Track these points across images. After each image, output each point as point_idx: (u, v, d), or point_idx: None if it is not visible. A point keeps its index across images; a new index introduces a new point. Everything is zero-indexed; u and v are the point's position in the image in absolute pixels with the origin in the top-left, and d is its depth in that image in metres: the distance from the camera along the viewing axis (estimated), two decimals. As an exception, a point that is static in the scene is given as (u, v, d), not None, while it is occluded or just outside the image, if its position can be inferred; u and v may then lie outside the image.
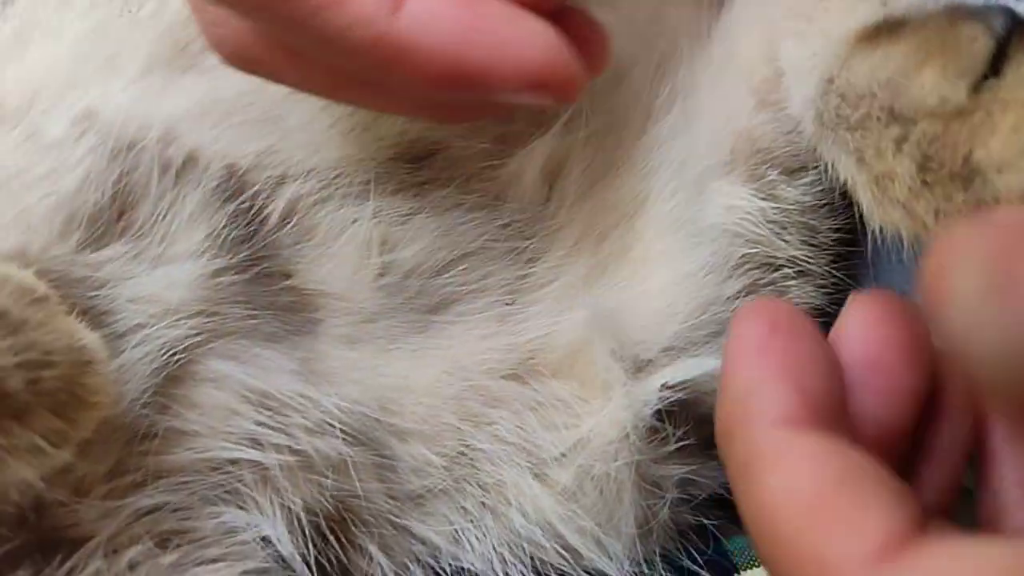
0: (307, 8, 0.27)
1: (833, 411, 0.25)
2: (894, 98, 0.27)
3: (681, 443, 0.35)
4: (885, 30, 0.29)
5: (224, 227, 0.35)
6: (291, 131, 0.39)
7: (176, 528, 0.31)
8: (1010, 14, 0.26)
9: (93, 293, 0.31)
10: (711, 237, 0.36)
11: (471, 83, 0.28)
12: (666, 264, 0.36)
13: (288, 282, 0.36)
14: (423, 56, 0.27)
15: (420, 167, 0.39)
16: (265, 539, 0.33)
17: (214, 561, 0.31)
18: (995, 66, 0.26)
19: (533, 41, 0.27)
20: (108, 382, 0.28)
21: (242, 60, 0.32)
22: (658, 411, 0.34)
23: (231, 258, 0.34)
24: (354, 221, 0.37)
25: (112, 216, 0.33)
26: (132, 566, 0.29)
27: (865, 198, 0.29)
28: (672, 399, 0.34)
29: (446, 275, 0.38)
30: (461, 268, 0.38)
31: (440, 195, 0.39)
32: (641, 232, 0.37)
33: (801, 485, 0.23)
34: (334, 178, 0.38)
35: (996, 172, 0.24)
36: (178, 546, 0.30)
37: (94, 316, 0.30)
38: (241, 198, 0.36)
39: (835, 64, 0.29)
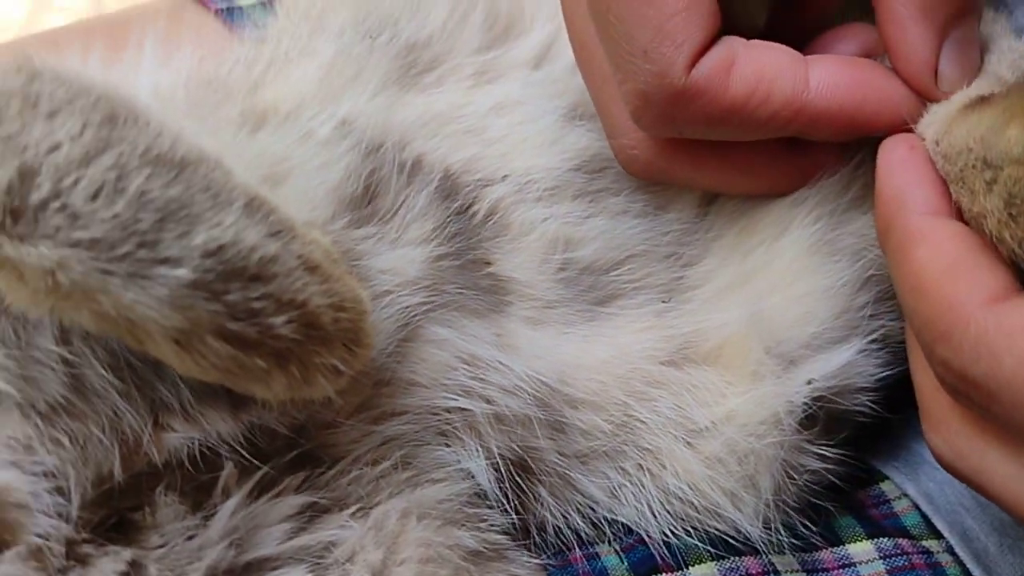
0: (746, 115, 0.39)
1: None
2: (986, 150, 0.34)
3: (822, 441, 0.43)
4: (979, 101, 0.37)
5: (445, 220, 0.43)
6: (492, 142, 0.48)
7: (408, 455, 0.40)
8: None
9: (355, 262, 0.40)
10: (846, 257, 0.44)
11: (860, 130, 0.40)
12: (805, 278, 0.44)
13: (489, 269, 0.45)
14: (832, 115, 0.39)
15: (595, 177, 0.48)
16: (468, 472, 0.41)
17: (435, 482, 0.40)
18: None
19: (902, 91, 0.40)
20: (374, 330, 0.37)
21: (648, 174, 0.45)
22: (806, 404, 0.42)
23: (450, 247, 0.43)
24: (543, 220, 0.46)
25: (364, 204, 0.42)
26: (379, 477, 0.39)
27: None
28: (815, 395, 0.42)
29: (614, 272, 0.46)
30: (627, 268, 0.46)
31: (612, 202, 0.47)
32: (783, 250, 0.45)
33: (941, 253, 0.34)
34: (526, 183, 0.47)
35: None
36: (409, 465, 0.39)
37: (357, 280, 0.39)
38: (455, 197, 0.45)
39: (942, 130, 0.37)
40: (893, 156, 0.39)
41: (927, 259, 0.34)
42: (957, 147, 0.36)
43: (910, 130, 0.39)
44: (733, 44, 0.40)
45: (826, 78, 0.39)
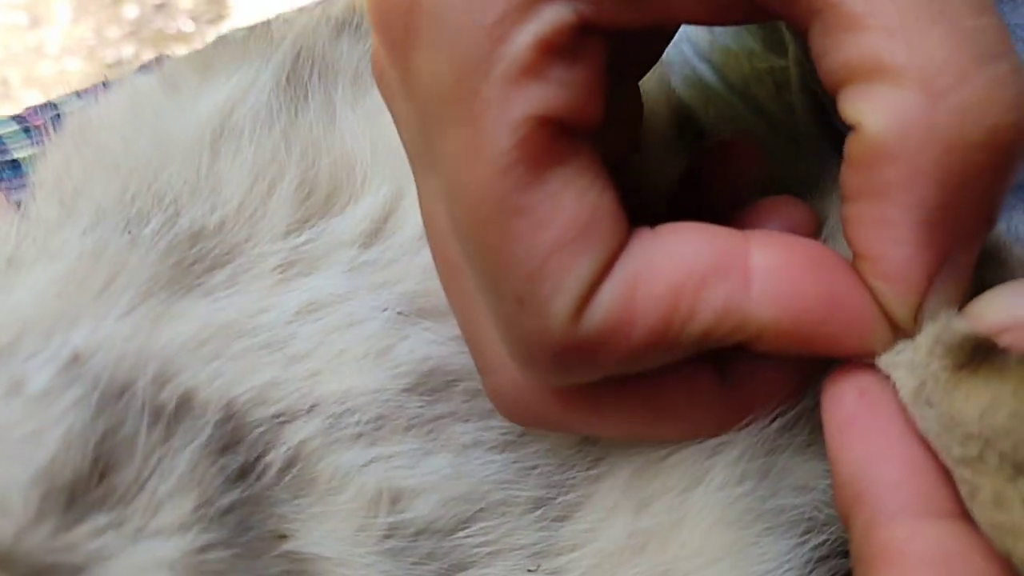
0: (669, 343, 0.29)
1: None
2: (1016, 450, 0.24)
3: None
4: (981, 359, 0.26)
5: (217, 491, 0.33)
6: (297, 358, 0.37)
7: None
8: None
9: (65, 585, 0.29)
10: (785, 527, 0.33)
11: (814, 350, 0.29)
12: (727, 556, 0.33)
13: (284, 546, 0.34)
14: (783, 328, 0.29)
15: (436, 399, 0.37)
16: None
17: None
18: None
19: (872, 309, 0.29)
20: None
21: (531, 421, 0.34)
22: None
23: (222, 529, 0.32)
24: (363, 467, 0.35)
25: (93, 484, 0.31)
26: None
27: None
28: None
29: (461, 533, 0.35)
30: (479, 526, 0.35)
31: (459, 431, 0.37)
32: (697, 509, 0.34)
33: None
34: (341, 414, 0.36)
35: None
36: None
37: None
38: (237, 448, 0.34)
39: (934, 388, 0.27)
40: (840, 412, 0.29)
41: None
42: (966, 426, 0.26)
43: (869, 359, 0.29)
44: (633, 256, 0.29)
45: (775, 278, 0.29)
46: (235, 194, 0.40)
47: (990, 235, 0.32)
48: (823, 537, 0.33)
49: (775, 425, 0.34)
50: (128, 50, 0.97)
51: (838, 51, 0.27)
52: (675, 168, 0.45)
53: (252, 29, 0.46)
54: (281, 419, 0.36)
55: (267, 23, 0.47)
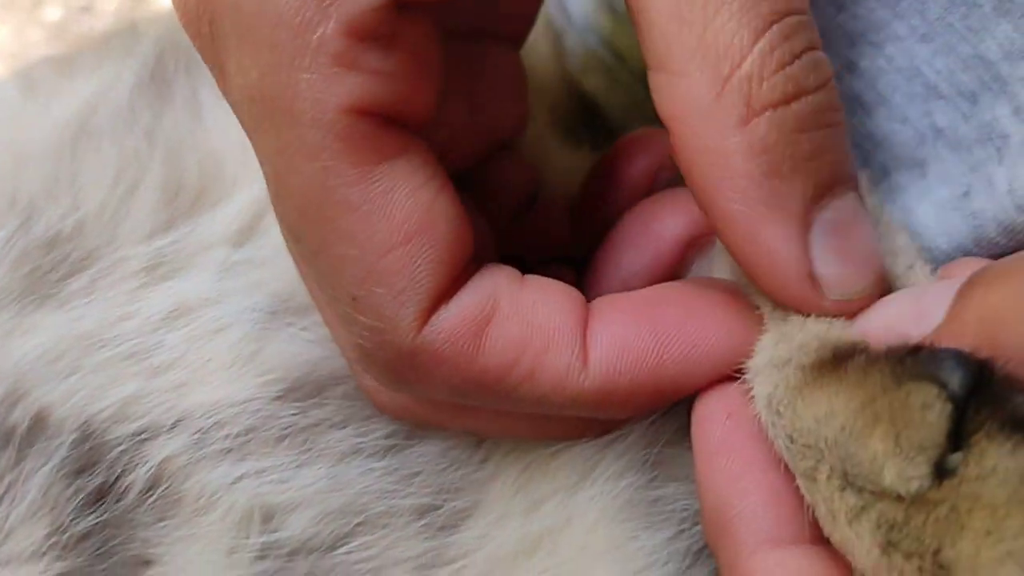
0: (502, 391, 0.28)
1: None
2: (846, 462, 0.23)
3: None
4: (832, 362, 0.25)
5: (72, 515, 0.31)
6: (161, 369, 0.35)
7: None
8: (965, 362, 0.22)
9: None
10: (668, 522, 0.32)
11: (670, 396, 0.29)
12: (611, 552, 0.32)
13: (149, 573, 0.32)
14: (621, 395, 0.28)
15: (311, 406, 0.35)
16: None
17: None
18: (957, 437, 0.22)
19: (716, 329, 0.28)
20: None
21: (405, 418, 0.34)
22: None
23: (79, 556, 0.30)
24: (232, 484, 0.33)
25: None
26: None
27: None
28: None
29: (341, 549, 0.33)
30: (361, 540, 0.34)
31: (336, 439, 0.35)
32: (582, 508, 0.33)
33: None
34: (209, 428, 0.34)
35: None
36: None
37: None
38: (95, 468, 0.32)
39: (782, 395, 0.26)
40: (707, 438, 0.28)
41: None
42: (804, 437, 0.25)
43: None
44: (496, 286, 0.29)
45: (611, 346, 0.28)
46: (95, 196, 0.38)
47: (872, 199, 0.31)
48: (700, 528, 0.32)
49: (657, 413, 0.33)
50: (51, 54, 0.93)
51: (640, 38, 0.26)
52: (579, 156, 0.43)
53: (117, 25, 0.44)
54: (143, 436, 0.34)
55: (132, 20, 0.45)
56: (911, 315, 0.26)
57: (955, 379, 0.22)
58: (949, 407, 0.22)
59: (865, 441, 0.23)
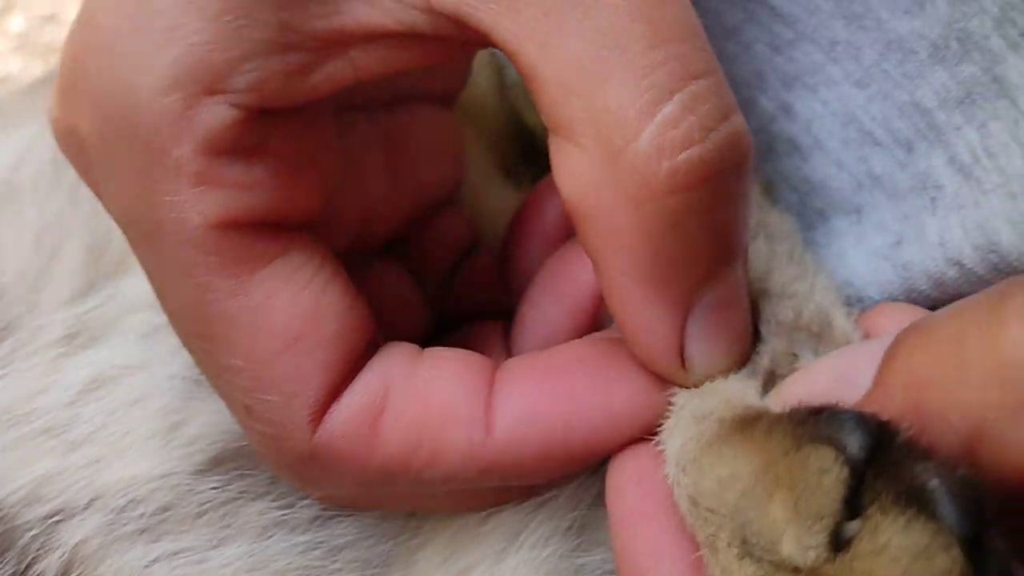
0: (410, 476, 0.27)
1: None
2: (746, 529, 0.22)
3: None
4: (737, 423, 0.24)
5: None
6: (78, 444, 0.34)
7: None
8: (865, 425, 0.21)
9: None
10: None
11: (587, 462, 0.28)
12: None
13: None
14: (532, 464, 0.28)
15: (232, 477, 0.34)
16: None
17: None
18: (854, 504, 0.20)
19: (628, 390, 0.27)
20: None
21: (331, 502, 0.33)
22: None
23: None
24: (147, 567, 0.32)
25: None
26: None
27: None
28: None
29: (263, 631, 0.33)
30: (284, 621, 0.33)
31: (256, 511, 0.34)
32: (510, 574, 0.32)
33: None
34: (124, 508, 0.33)
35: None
36: None
37: None
38: (6, 557, 0.32)
39: (688, 457, 0.24)
40: (620, 507, 0.27)
41: None
42: (707, 500, 0.24)
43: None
44: (388, 371, 0.28)
45: (517, 415, 0.27)
46: (15, 261, 0.37)
47: (788, 243, 0.29)
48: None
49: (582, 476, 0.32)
50: (15, 64, 0.93)
51: (535, 100, 0.24)
52: (520, 197, 0.42)
53: (46, 77, 0.43)
54: (57, 518, 0.33)
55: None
56: (838, 384, 0.25)
57: (854, 442, 0.21)
58: (846, 472, 0.21)
59: (765, 507, 0.22)
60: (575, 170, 0.24)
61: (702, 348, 0.26)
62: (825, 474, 0.21)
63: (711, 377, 0.26)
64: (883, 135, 0.32)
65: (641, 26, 0.23)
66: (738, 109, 0.24)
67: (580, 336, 0.34)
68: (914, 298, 0.31)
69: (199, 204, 0.25)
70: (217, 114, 0.25)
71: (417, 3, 0.24)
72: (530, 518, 0.33)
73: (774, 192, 0.37)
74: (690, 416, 0.26)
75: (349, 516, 0.34)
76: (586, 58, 0.22)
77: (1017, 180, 0.28)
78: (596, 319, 0.34)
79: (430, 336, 0.38)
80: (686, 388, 0.27)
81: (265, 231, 0.26)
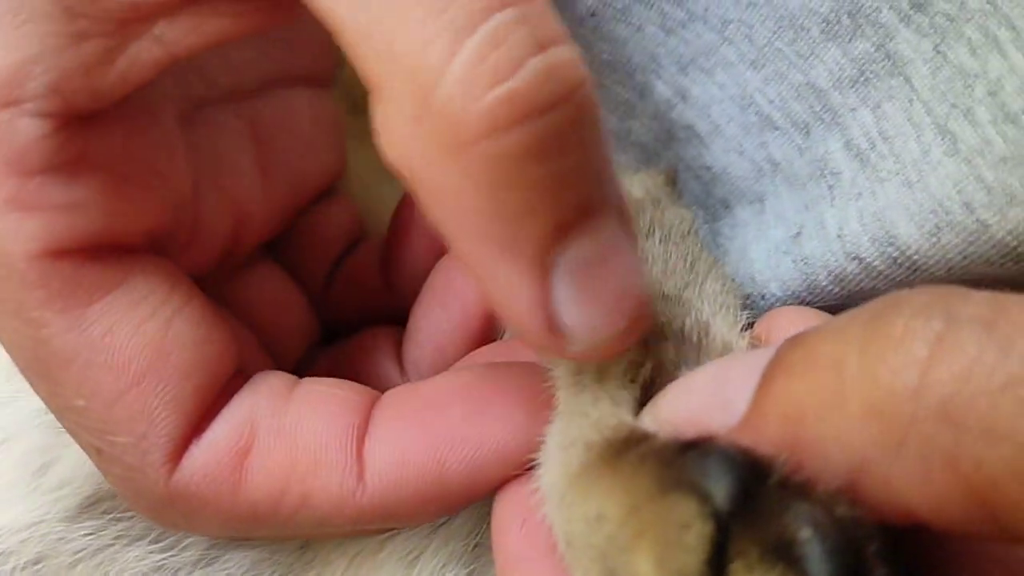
0: (279, 521, 0.26)
1: None
2: (612, 572, 0.20)
3: None
4: (608, 449, 0.22)
5: None
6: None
7: None
8: (735, 469, 0.19)
9: None
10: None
11: (465, 501, 0.26)
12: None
13: None
14: (408, 508, 0.26)
15: (109, 522, 0.32)
16: None
17: None
18: (720, 560, 0.18)
19: (500, 425, 0.26)
20: None
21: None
22: None
23: None
24: (17, 623, 0.30)
25: None
26: None
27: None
28: None
29: None
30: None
31: (134, 557, 0.32)
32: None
33: None
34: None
35: None
36: None
37: None
38: None
39: (560, 491, 0.22)
40: (504, 549, 0.25)
41: None
42: (578, 540, 0.22)
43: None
44: (255, 408, 0.26)
45: (389, 459, 0.26)
46: None
47: (685, 245, 0.27)
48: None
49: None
50: None
51: (350, 61, 0.21)
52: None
53: None
54: (-85, 578, 0.31)
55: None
56: (714, 403, 0.22)
57: (720, 490, 0.19)
58: (710, 527, 0.19)
59: (631, 556, 0.20)
60: (391, 128, 0.21)
61: (575, 312, 0.22)
62: (686, 529, 0.19)
63: (600, 346, 0.22)
64: (781, 119, 0.30)
65: None
66: (565, 40, 0.21)
67: (473, 346, 0.32)
68: (817, 294, 0.29)
69: (18, 233, 0.23)
70: (19, 128, 0.22)
71: None
72: (427, 542, 0.31)
73: (679, 183, 0.35)
74: (556, 446, 0.24)
75: (236, 551, 0.32)
76: (386, 1, 0.19)
77: (913, 167, 0.26)
78: (488, 326, 0.32)
79: (317, 345, 0.36)
80: (575, 361, 0.24)
81: (99, 257, 0.24)
